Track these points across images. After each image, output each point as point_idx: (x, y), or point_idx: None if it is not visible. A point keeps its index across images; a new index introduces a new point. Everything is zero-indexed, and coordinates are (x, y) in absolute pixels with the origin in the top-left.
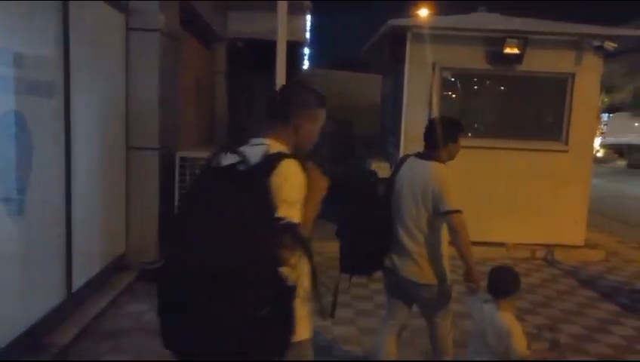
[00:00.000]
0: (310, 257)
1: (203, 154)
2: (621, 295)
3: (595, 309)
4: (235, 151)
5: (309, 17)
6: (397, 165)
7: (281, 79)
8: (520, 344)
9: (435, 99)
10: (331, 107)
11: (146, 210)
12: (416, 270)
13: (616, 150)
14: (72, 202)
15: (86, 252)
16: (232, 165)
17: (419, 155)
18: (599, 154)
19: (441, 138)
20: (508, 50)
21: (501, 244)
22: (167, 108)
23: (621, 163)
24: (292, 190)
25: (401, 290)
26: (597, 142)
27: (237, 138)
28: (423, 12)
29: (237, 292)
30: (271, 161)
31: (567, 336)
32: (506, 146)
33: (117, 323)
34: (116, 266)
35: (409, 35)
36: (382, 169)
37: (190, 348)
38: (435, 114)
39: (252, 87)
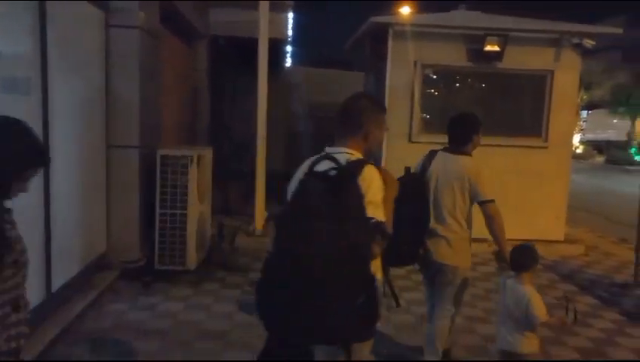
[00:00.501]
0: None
1: (184, 152)
2: (600, 288)
3: (574, 303)
4: (330, 158)
5: (291, 15)
6: (426, 159)
7: (262, 77)
8: (538, 309)
9: (416, 96)
10: (313, 105)
11: (127, 208)
12: (449, 253)
13: (595, 146)
14: (51, 201)
15: (66, 251)
16: (326, 171)
17: (447, 150)
18: (578, 151)
19: (466, 133)
20: (488, 48)
21: (482, 240)
22: (148, 106)
23: (600, 159)
24: (376, 193)
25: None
26: (576, 138)
27: (219, 136)
28: (405, 10)
29: (339, 282)
30: (356, 167)
31: (547, 330)
32: (486, 143)
33: (98, 322)
34: (97, 265)
35: (390, 33)
36: None
37: (294, 329)
38: (417, 111)
39: (234, 84)
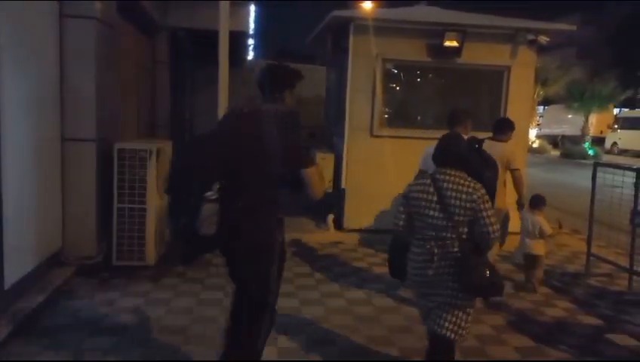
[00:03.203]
0: None
1: (142, 145)
2: (553, 278)
3: (529, 292)
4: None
5: (252, 7)
6: (478, 144)
7: (223, 70)
8: (547, 228)
9: (378, 91)
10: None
11: (83, 203)
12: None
13: (551, 141)
14: (3, 196)
15: (19, 247)
16: None
17: (492, 139)
18: (535, 145)
19: (506, 128)
20: (447, 43)
21: None
22: (105, 99)
23: (555, 153)
24: None
25: None
26: (532, 133)
27: (180, 129)
28: (367, 4)
29: None
30: None
31: (503, 319)
32: None
33: (53, 320)
34: (53, 262)
35: (352, 27)
36: (327, 159)
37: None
38: (378, 105)
39: (195, 77)
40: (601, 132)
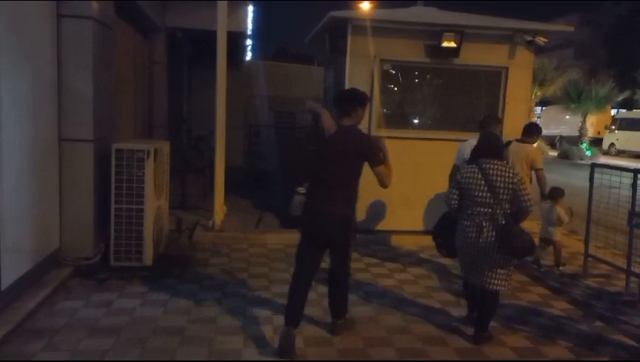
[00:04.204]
0: None
1: (140, 146)
2: (551, 279)
3: (527, 293)
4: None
5: (250, 8)
6: (506, 145)
7: (221, 70)
8: (564, 216)
9: (375, 91)
10: (272, 99)
11: (80, 204)
12: None
13: (549, 141)
14: (1, 196)
15: (16, 248)
16: None
17: (519, 140)
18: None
19: (533, 132)
20: (445, 44)
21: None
22: (102, 99)
23: (553, 154)
24: None
25: None
26: None
27: (177, 130)
28: (365, 5)
29: None
30: None
31: (502, 318)
32: (442, 138)
33: (50, 320)
34: (50, 263)
35: (349, 27)
36: None
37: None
38: (376, 106)
39: (193, 78)
40: (599, 133)
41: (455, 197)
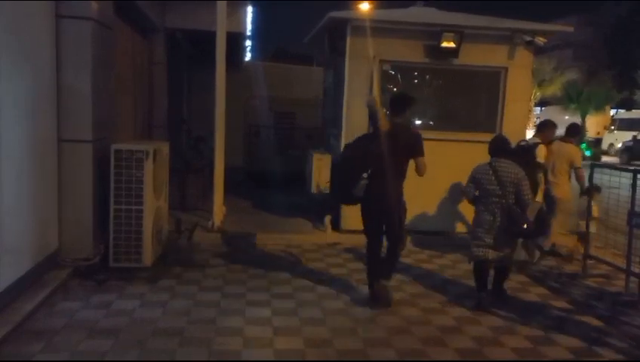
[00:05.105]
0: None
1: (139, 146)
2: (551, 279)
3: (527, 293)
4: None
5: (250, 8)
6: (534, 146)
7: (220, 71)
8: (596, 210)
9: (375, 92)
10: (272, 99)
11: (79, 204)
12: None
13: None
14: (0, 197)
15: (15, 249)
16: None
17: (562, 140)
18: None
19: (574, 132)
20: (445, 44)
21: (439, 233)
22: (101, 99)
23: None
24: None
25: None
26: (529, 134)
27: (177, 130)
28: (364, 5)
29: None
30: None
31: (502, 319)
32: (443, 138)
33: (50, 321)
34: (49, 263)
35: (349, 28)
36: (324, 160)
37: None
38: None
39: (192, 78)
40: (598, 133)
41: (472, 189)
